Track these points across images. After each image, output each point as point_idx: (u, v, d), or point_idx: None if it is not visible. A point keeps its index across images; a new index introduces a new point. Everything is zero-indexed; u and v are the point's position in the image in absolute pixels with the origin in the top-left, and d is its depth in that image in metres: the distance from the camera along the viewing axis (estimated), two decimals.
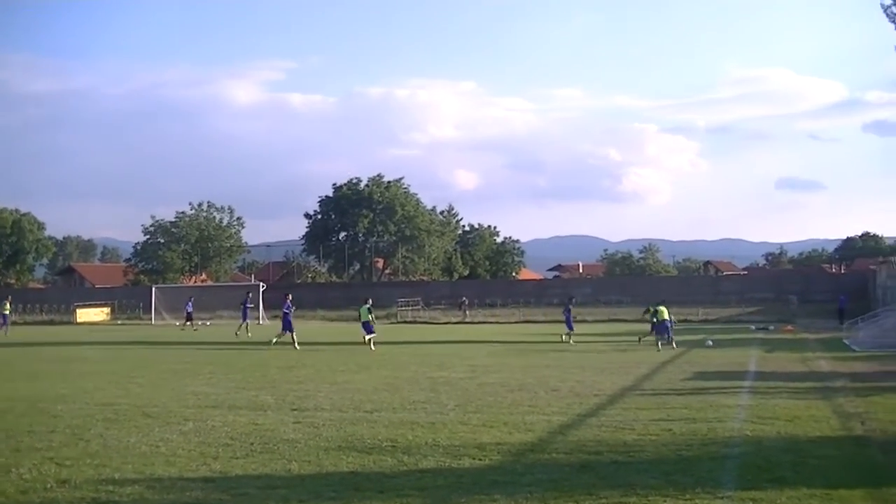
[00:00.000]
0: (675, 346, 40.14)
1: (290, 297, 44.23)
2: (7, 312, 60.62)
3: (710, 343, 40.66)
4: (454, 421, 17.42)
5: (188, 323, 68.22)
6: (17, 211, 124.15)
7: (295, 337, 41.18)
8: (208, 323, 71.30)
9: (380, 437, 15.57)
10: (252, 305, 58.56)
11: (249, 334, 53.21)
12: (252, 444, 14.97)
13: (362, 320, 41.45)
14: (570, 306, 47.80)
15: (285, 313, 42.49)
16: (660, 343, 39.57)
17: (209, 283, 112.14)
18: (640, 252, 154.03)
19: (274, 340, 41.83)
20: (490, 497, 11.21)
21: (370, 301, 42.68)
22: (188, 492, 11.61)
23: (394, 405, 20.01)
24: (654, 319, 40.68)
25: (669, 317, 41.57)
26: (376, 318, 45.60)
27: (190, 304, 69.88)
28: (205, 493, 11.60)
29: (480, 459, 13.66)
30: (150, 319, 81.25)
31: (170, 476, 12.54)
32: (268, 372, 28.94)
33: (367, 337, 40.17)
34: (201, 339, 52.19)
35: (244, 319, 56.06)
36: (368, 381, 25.74)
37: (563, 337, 45.09)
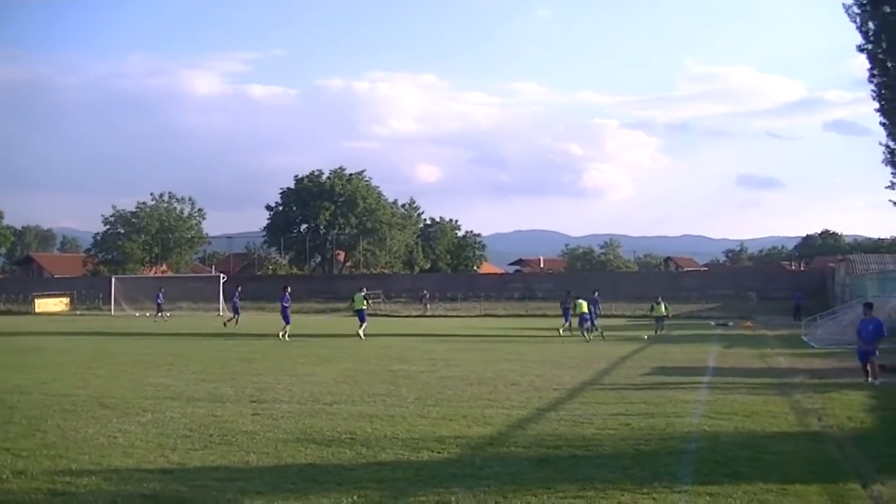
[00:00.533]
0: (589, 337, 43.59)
1: (289, 289, 44.37)
2: None
3: (647, 337, 40.49)
4: (414, 414, 17.43)
5: (159, 314, 68.05)
6: None
7: (288, 330, 41.34)
8: (168, 314, 70.98)
9: (339, 429, 15.56)
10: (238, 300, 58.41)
11: (235, 326, 53.16)
12: (210, 435, 14.93)
13: (356, 308, 41.83)
14: (569, 299, 48.48)
15: (284, 306, 42.54)
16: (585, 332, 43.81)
17: (169, 273, 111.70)
18: (602, 247, 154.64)
19: (281, 335, 41.56)
20: (449, 490, 11.22)
21: (364, 289, 43.17)
22: (146, 483, 11.56)
23: (353, 398, 20.01)
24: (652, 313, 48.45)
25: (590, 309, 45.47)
26: (333, 310, 45.89)
27: (161, 295, 69.64)
28: (163, 484, 11.56)
29: (439, 452, 13.68)
30: (110, 310, 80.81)
31: (127, 467, 12.49)
32: (227, 364, 28.87)
33: (362, 326, 40.77)
34: (161, 330, 51.99)
35: (235, 312, 56.13)
36: (328, 373, 25.74)
37: (560, 330, 46.01)
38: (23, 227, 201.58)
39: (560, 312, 50.56)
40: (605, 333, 44.73)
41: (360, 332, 40.68)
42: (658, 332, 47.11)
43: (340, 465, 12.69)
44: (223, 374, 25.48)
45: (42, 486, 11.34)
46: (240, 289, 60.91)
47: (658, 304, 50.71)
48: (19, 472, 12.11)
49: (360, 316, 41.75)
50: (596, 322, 46.49)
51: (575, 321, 46.51)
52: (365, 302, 42.56)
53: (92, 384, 22.80)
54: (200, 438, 14.68)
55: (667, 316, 51.12)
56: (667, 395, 20.81)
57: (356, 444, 14.18)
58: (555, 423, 16.54)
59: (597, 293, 49.75)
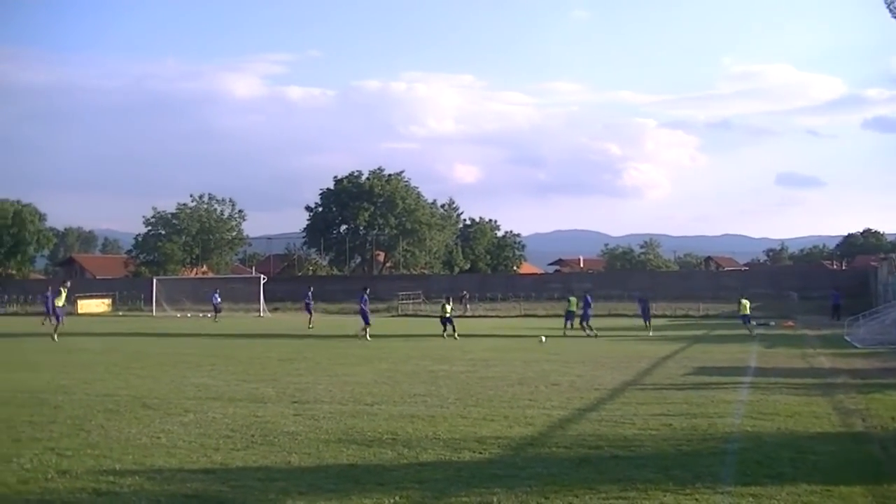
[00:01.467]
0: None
1: (368, 290, 44.71)
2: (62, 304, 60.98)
3: (544, 340, 40.05)
4: (454, 414, 17.43)
5: (216, 314, 68.41)
6: (18, 202, 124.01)
7: (368, 330, 41.67)
8: (209, 315, 71.29)
9: (380, 429, 15.58)
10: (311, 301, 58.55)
11: (312, 326, 53.41)
12: (252, 436, 14.98)
13: (445, 315, 42.56)
14: (590, 300, 49.06)
15: (363, 308, 42.80)
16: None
17: (210, 275, 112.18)
18: (641, 247, 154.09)
19: (360, 335, 41.75)
20: (490, 490, 11.21)
21: (449, 297, 44.05)
22: (188, 483, 11.62)
23: (394, 398, 20.03)
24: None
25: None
26: (373, 310, 46.13)
27: (217, 295, 69.93)
28: (205, 484, 11.61)
29: (480, 453, 13.67)
30: (152, 311, 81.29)
31: (170, 467, 12.55)
32: (268, 364, 28.97)
33: (449, 330, 41.29)
34: (203, 330, 52.22)
35: (309, 313, 56.41)
36: (368, 373, 25.77)
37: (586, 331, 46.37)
38: (65, 229, 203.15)
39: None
40: (644, 334, 44.83)
41: (454, 334, 41.23)
42: (750, 332, 46.90)
43: (381, 466, 12.70)
44: (264, 374, 25.57)
45: (86, 486, 11.42)
46: (312, 289, 60.94)
47: (742, 302, 50.27)
48: (64, 471, 12.20)
49: (446, 321, 42.20)
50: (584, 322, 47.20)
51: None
52: (448, 309, 43.00)
53: (134, 384, 22.94)
54: (242, 439, 14.73)
55: (748, 314, 50.11)
56: (708, 395, 20.70)
57: (397, 445, 14.19)
58: (595, 423, 16.50)
59: (588, 295, 50.23)
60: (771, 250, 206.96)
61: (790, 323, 58.10)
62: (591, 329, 45.97)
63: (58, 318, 41.72)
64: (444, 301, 44.20)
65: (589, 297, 48.33)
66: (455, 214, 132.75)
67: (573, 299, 49.69)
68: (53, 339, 40.27)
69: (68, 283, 47.06)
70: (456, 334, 41.65)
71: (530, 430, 15.66)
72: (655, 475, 12.05)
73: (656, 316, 51.27)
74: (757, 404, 18.95)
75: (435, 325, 44.67)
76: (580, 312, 47.86)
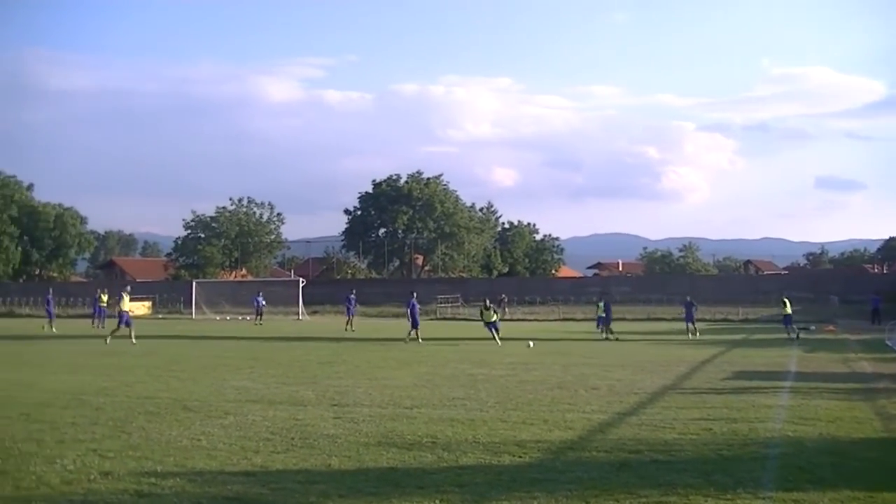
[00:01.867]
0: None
1: (415, 293, 44.83)
2: (104, 305, 61.40)
3: (531, 345, 39.80)
4: (494, 418, 17.42)
5: (259, 317, 68.70)
6: (59, 205, 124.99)
7: (415, 333, 41.76)
8: (250, 318, 71.59)
9: (419, 433, 15.58)
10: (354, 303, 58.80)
11: (354, 329, 53.63)
12: (292, 438, 15.02)
13: (488, 321, 42.19)
14: (609, 303, 49.73)
15: (412, 311, 42.89)
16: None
17: (249, 278, 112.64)
18: (680, 250, 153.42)
19: (410, 339, 41.79)
20: (530, 495, 11.20)
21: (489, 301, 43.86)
22: (229, 485, 11.66)
23: (433, 401, 20.03)
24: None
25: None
26: (420, 314, 46.13)
27: (260, 298, 70.21)
28: (245, 487, 11.65)
29: (520, 457, 13.65)
30: (191, 314, 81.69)
31: (210, 469, 12.61)
32: (307, 367, 29.05)
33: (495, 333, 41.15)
34: (243, 333, 52.40)
35: (350, 315, 56.67)
36: (408, 377, 25.79)
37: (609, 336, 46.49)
38: (105, 232, 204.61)
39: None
40: (683, 338, 44.81)
41: (497, 339, 41.03)
42: (790, 335, 47.04)
43: (421, 469, 12.70)
44: (303, 377, 25.63)
45: (128, 487, 11.48)
46: (354, 292, 61.09)
47: (784, 304, 50.76)
48: (106, 472, 12.28)
49: (493, 327, 41.94)
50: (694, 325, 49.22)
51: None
52: (495, 314, 42.84)
53: (175, 387, 23.05)
54: (282, 441, 14.77)
55: (789, 315, 50.50)
56: (748, 399, 20.60)
57: (437, 448, 14.19)
58: (635, 427, 16.44)
59: (606, 300, 51.28)
60: (811, 254, 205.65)
61: (831, 327, 57.66)
62: (612, 333, 46.97)
63: (126, 322, 41.68)
64: (482, 306, 43.96)
65: (608, 303, 50.31)
66: (493, 218, 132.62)
67: (601, 304, 50.14)
68: (106, 341, 40.30)
69: (129, 288, 47.25)
70: (498, 340, 41.14)
71: (570, 434, 15.63)
72: (696, 480, 11.99)
73: (696, 320, 51.08)
74: (798, 409, 18.84)
75: (473, 329, 44.58)
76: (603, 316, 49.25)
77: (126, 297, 42.63)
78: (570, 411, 18.44)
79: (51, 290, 63.73)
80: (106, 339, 40.61)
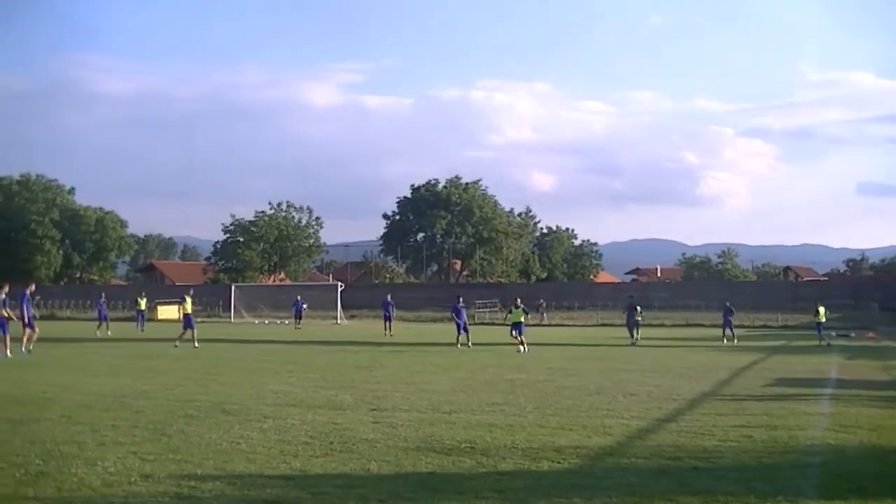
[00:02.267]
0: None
1: (461, 298, 44.77)
2: (142, 309, 61.84)
3: (521, 350, 39.36)
4: (532, 423, 17.37)
5: (298, 321, 68.96)
6: (100, 209, 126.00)
7: (467, 338, 41.58)
8: (289, 322, 71.85)
9: (458, 438, 15.55)
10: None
11: (392, 334, 53.76)
12: (331, 443, 15.02)
13: (515, 321, 41.15)
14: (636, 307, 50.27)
15: (458, 317, 42.82)
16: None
17: (288, 282, 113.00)
18: (719, 256, 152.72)
19: (463, 345, 41.65)
20: (569, 500, 11.15)
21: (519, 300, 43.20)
22: (268, 489, 11.68)
23: (472, 407, 19.99)
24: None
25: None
26: (452, 319, 46.08)
27: (299, 302, 70.46)
28: (284, 490, 11.67)
29: (559, 462, 13.60)
30: (230, 317, 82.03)
31: (250, 473, 12.63)
32: (345, 371, 29.10)
33: (520, 338, 40.15)
34: (281, 337, 52.57)
35: (388, 319, 56.78)
36: (446, 382, 25.77)
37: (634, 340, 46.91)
38: (145, 236, 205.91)
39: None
40: (722, 344, 44.66)
41: (523, 345, 40.02)
42: (821, 343, 47.34)
43: (460, 475, 12.69)
44: (342, 381, 25.66)
45: (168, 490, 11.52)
46: (389, 296, 61.24)
47: (818, 312, 51.10)
48: (146, 475, 12.32)
49: (518, 329, 40.95)
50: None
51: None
52: (524, 314, 41.90)
53: (213, 390, 23.14)
54: (321, 445, 14.78)
55: (822, 322, 51.07)
56: (788, 406, 20.45)
57: (476, 454, 14.16)
58: (674, 433, 16.36)
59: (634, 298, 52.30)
60: (851, 260, 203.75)
61: (871, 334, 57.27)
62: (633, 337, 48.13)
63: (190, 326, 41.82)
64: (511, 305, 43.42)
65: (632, 307, 50.88)
66: (532, 223, 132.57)
67: (638, 308, 50.40)
68: (176, 345, 40.42)
69: (192, 291, 47.45)
70: (522, 346, 39.96)
71: (609, 441, 15.57)
72: (736, 487, 11.91)
73: (734, 326, 50.94)
74: (838, 417, 18.69)
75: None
76: (640, 320, 50.47)
77: (189, 301, 42.92)
78: (608, 417, 18.37)
79: (103, 294, 64.12)
80: (175, 343, 40.79)
